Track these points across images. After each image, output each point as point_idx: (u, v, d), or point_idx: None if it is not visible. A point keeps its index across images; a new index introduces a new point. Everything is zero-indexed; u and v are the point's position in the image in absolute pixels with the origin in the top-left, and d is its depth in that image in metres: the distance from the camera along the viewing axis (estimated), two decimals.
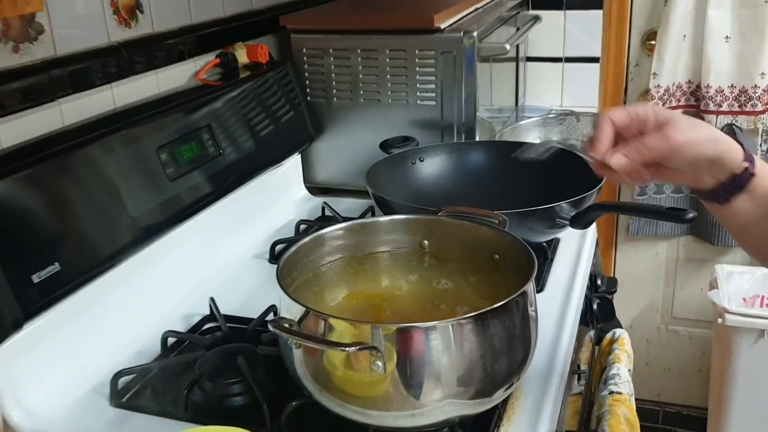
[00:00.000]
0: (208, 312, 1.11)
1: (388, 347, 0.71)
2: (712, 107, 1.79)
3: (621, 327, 1.34)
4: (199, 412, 0.91)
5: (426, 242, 0.97)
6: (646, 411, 2.16)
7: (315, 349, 0.74)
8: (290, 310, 0.77)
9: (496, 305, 0.73)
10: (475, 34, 1.35)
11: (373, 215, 1.41)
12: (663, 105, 1.85)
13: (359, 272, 0.94)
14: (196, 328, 1.08)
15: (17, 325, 0.84)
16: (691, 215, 0.91)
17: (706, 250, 1.99)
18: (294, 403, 0.86)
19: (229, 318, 1.10)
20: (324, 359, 0.75)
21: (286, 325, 0.75)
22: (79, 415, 0.91)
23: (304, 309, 0.75)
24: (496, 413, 0.85)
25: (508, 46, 1.39)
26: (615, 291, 1.29)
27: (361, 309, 0.86)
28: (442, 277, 0.93)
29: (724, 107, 1.79)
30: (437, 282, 0.92)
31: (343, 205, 1.50)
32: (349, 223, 0.95)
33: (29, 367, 0.90)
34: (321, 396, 0.78)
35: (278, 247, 1.30)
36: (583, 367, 1.23)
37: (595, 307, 1.20)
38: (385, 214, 1.17)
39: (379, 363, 0.71)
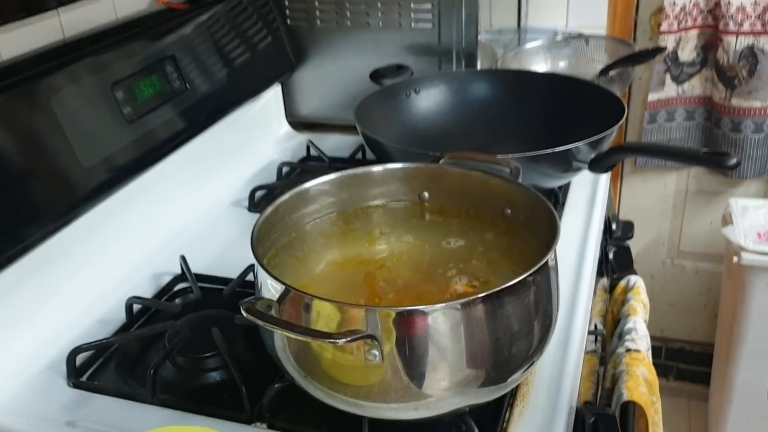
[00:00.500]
0: (179, 271, 0.98)
1: (387, 333, 0.59)
2: (732, 27, 1.64)
3: (636, 273, 1.23)
4: (169, 392, 0.79)
5: (426, 194, 0.84)
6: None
7: None
8: (268, 286, 0.65)
9: (513, 281, 0.60)
10: None
11: (364, 156, 1.28)
12: (678, 25, 1.69)
13: (349, 231, 0.81)
14: (165, 291, 0.96)
15: None
16: (734, 161, 0.78)
17: (719, 181, 1.87)
18: (277, 385, 0.74)
19: (202, 278, 0.97)
20: (310, 342, 0.62)
21: (263, 309, 0.62)
22: (31, 397, 0.80)
23: (284, 287, 0.62)
24: (509, 393, 0.74)
25: None
26: (631, 236, 1.17)
27: (353, 279, 0.73)
28: (444, 237, 0.80)
29: (746, 27, 1.63)
30: (439, 243, 0.79)
31: (329, 142, 1.36)
32: (337, 174, 0.81)
33: None
34: (306, 383, 0.66)
35: (258, 194, 1.16)
36: (597, 320, 1.12)
37: (611, 256, 1.08)
38: (377, 157, 1.04)
39: (376, 352, 0.59)
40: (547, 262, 0.63)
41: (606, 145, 0.95)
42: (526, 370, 0.67)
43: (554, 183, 1.02)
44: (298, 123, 1.44)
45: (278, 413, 0.74)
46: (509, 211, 0.79)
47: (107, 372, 0.83)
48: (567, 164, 0.94)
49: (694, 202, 1.93)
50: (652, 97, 1.76)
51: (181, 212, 1.09)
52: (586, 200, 1.10)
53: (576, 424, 0.79)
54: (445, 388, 0.62)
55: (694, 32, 1.71)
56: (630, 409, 0.97)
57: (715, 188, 1.89)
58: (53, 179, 0.85)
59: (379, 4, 1.28)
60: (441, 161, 0.84)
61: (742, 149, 1.73)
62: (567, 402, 0.75)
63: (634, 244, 2.01)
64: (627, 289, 1.21)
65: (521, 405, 0.74)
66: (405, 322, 0.59)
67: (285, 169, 1.25)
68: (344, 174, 0.82)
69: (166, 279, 0.98)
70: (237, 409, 0.75)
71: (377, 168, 0.83)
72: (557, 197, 1.08)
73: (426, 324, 0.59)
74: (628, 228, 1.17)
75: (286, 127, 1.42)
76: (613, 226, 1.15)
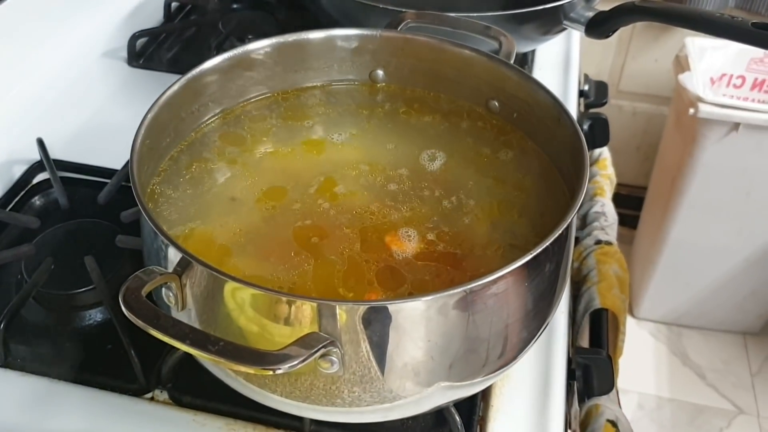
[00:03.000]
0: (36, 158, 0.73)
1: (351, 333, 0.39)
2: None
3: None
4: (29, 347, 0.58)
5: (380, 72, 0.60)
6: None
7: (210, 298, 0.41)
8: (161, 246, 0.42)
9: (523, 260, 0.40)
10: None
11: None
12: None
13: (273, 129, 0.58)
14: (17, 189, 0.71)
15: None
16: None
17: None
18: (180, 352, 0.54)
19: (68, 167, 0.72)
20: (229, 322, 0.41)
21: (156, 289, 0.40)
22: None
23: (181, 256, 0.40)
24: None
25: None
26: (606, 102, 0.98)
27: (291, 219, 0.50)
28: (409, 136, 0.57)
29: None
30: (403, 146, 0.57)
31: None
32: (251, 47, 0.56)
33: None
34: (229, 379, 0.46)
35: (140, 42, 0.88)
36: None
37: (586, 128, 0.89)
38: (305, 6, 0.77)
39: (334, 359, 0.39)
40: (571, 222, 0.43)
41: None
42: (529, 347, 0.49)
43: (528, 47, 0.80)
44: None
45: (184, 381, 0.55)
46: (496, 103, 0.58)
47: None
48: (555, 24, 0.72)
49: (641, 38, 1.74)
50: None
51: (35, 72, 0.81)
52: (559, 60, 0.89)
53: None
54: (425, 388, 0.43)
55: None
56: (603, 317, 0.83)
57: None
58: None
59: None
60: (401, 26, 0.60)
61: None
62: (563, 353, 0.59)
63: None
64: (591, 161, 1.04)
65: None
66: (375, 318, 0.38)
67: (174, 5, 0.96)
68: (264, 44, 0.57)
69: (17, 171, 0.72)
70: (126, 375, 0.55)
71: (315, 35, 0.58)
72: (525, 58, 0.86)
73: (406, 319, 0.39)
74: (602, 90, 0.97)
75: None
76: (585, 87, 0.95)
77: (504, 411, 0.54)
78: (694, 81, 1.42)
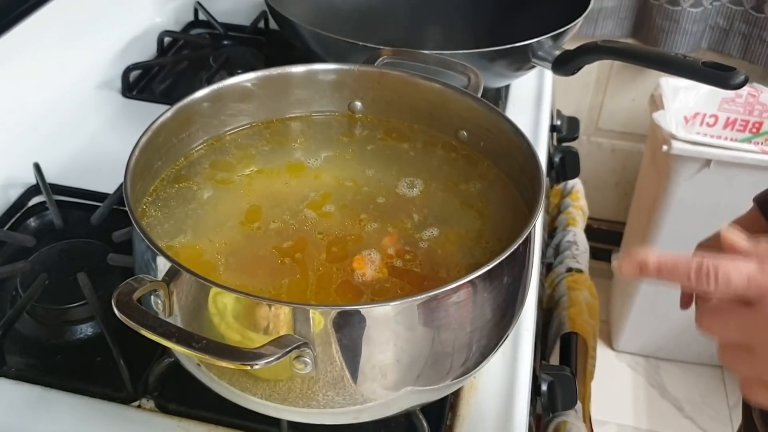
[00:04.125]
0: (32, 181, 0.77)
1: (323, 337, 0.43)
2: None
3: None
4: (23, 356, 0.61)
5: (358, 104, 0.65)
6: None
7: (195, 303, 0.45)
8: (150, 258, 0.46)
9: (489, 266, 0.44)
10: None
11: (267, 26, 1.05)
12: None
13: (257, 156, 0.62)
14: (14, 210, 0.74)
15: None
16: (741, 78, 0.63)
17: None
18: (167, 361, 0.57)
19: (63, 191, 0.76)
20: (212, 327, 0.45)
21: (145, 294, 0.44)
22: None
23: (171, 265, 0.44)
24: None
25: None
26: (577, 136, 1.02)
27: (270, 238, 0.54)
28: (383, 165, 0.62)
29: None
30: (378, 173, 0.61)
31: (223, 4, 1.11)
32: (238, 79, 0.60)
33: None
34: (202, 376, 0.50)
35: (134, 74, 0.93)
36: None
37: (557, 160, 0.94)
38: (287, 38, 0.82)
39: (307, 360, 0.43)
40: (528, 235, 0.47)
41: (568, 39, 0.78)
42: (494, 354, 0.52)
43: (500, 83, 0.85)
44: None
45: (170, 390, 0.58)
46: (465, 133, 0.62)
47: None
48: (524, 62, 0.77)
49: (619, 77, 1.81)
50: None
51: (33, 100, 0.85)
52: (532, 96, 0.94)
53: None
54: (394, 389, 0.47)
55: None
56: (572, 341, 0.87)
57: None
58: None
59: None
60: (378, 61, 0.65)
61: (678, 23, 1.60)
62: (528, 367, 0.62)
63: None
64: (564, 193, 1.08)
65: (472, 380, 0.61)
66: (349, 324, 0.42)
67: (167, 40, 1.01)
68: (248, 77, 0.61)
69: (14, 193, 0.76)
70: (115, 384, 0.58)
71: (297, 69, 0.63)
72: (499, 93, 0.91)
73: (377, 323, 0.43)
74: (573, 125, 1.02)
75: None
76: (557, 122, 1.00)
77: (471, 420, 0.58)
78: (668, 119, 1.48)
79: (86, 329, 0.65)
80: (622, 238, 1.91)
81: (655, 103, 1.56)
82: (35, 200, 0.76)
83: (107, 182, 0.75)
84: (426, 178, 0.60)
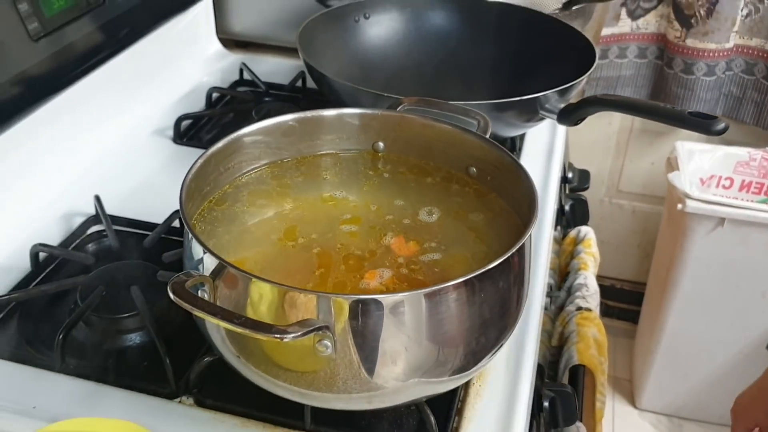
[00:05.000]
0: (92, 212, 0.87)
1: (341, 323, 0.50)
2: None
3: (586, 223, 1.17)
4: (80, 357, 0.70)
5: (381, 144, 0.74)
6: None
7: (234, 303, 0.53)
8: (200, 257, 0.55)
9: (489, 266, 0.52)
10: None
11: (304, 84, 1.16)
12: None
13: (292, 185, 0.71)
14: (76, 235, 0.84)
15: None
16: (722, 125, 0.71)
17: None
18: (207, 359, 0.65)
19: (120, 221, 0.86)
20: (248, 314, 0.53)
21: (194, 287, 0.53)
22: None
23: (218, 262, 0.52)
24: None
25: None
26: (587, 187, 1.10)
27: (300, 252, 0.63)
28: (402, 195, 0.70)
29: None
30: (397, 202, 0.70)
31: (266, 66, 1.23)
32: (280, 119, 0.70)
33: None
34: (240, 364, 0.58)
35: (185, 124, 1.04)
36: (548, 273, 1.06)
37: (567, 208, 1.02)
38: (321, 91, 0.93)
39: (328, 343, 0.51)
40: (524, 245, 0.55)
41: (574, 92, 0.87)
42: (492, 356, 0.60)
43: (514, 132, 0.94)
44: (230, 41, 1.30)
45: (208, 387, 0.66)
46: (474, 169, 0.71)
47: (7, 334, 0.72)
48: (533, 113, 0.86)
49: (638, 142, 1.89)
50: (605, 31, 1.68)
51: (96, 143, 0.96)
52: (544, 148, 1.03)
53: (533, 400, 0.73)
54: (402, 379, 0.54)
55: None
56: (580, 372, 0.93)
57: (659, 128, 1.85)
58: None
59: None
60: (399, 108, 0.74)
61: (692, 91, 1.68)
62: (528, 379, 0.69)
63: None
64: (577, 241, 1.15)
65: (478, 384, 0.68)
66: (365, 310, 0.50)
67: (215, 95, 1.12)
68: (286, 119, 0.71)
69: (77, 221, 0.86)
70: (160, 381, 0.66)
71: (329, 113, 0.72)
72: (514, 144, 1.00)
73: (389, 312, 0.50)
74: (584, 177, 1.10)
75: (216, 46, 1.28)
76: (569, 175, 1.08)
77: (475, 421, 0.64)
78: (683, 179, 1.55)
79: (135, 338, 0.73)
80: (643, 298, 1.95)
81: (671, 165, 1.64)
82: (94, 228, 0.86)
83: (158, 215, 0.85)
84: (440, 207, 0.69)
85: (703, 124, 0.71)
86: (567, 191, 1.07)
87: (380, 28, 1.08)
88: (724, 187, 1.71)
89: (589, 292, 1.04)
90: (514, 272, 0.56)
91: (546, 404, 0.74)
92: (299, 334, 0.47)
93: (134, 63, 1.02)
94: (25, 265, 0.79)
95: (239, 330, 0.47)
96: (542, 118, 0.89)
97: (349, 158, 0.74)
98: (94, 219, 0.86)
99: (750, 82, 1.70)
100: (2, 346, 0.70)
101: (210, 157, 0.64)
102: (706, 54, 1.63)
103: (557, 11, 1.20)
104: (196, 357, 0.66)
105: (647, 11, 1.68)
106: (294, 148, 0.73)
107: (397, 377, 0.54)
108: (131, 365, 0.70)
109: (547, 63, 0.95)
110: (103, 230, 0.84)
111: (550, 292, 1.03)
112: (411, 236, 0.65)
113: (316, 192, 0.71)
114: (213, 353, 0.64)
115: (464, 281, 0.51)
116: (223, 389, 0.65)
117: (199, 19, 1.23)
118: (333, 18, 1.05)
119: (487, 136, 0.70)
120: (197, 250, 0.54)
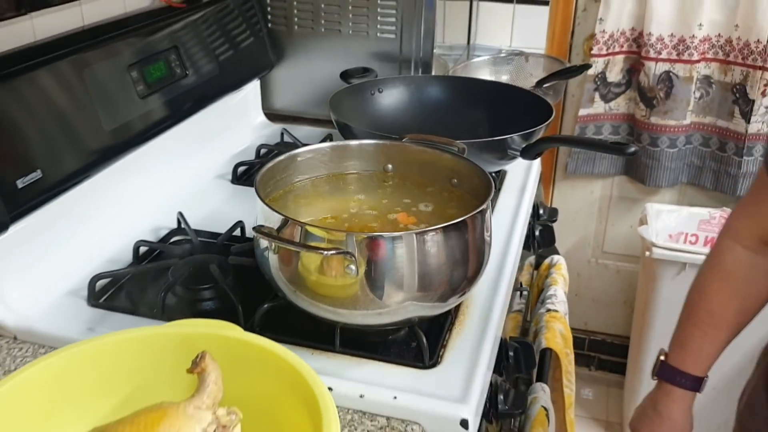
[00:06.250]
0: (175, 226, 1.16)
1: (360, 253, 0.78)
2: (652, 54, 1.89)
3: (558, 254, 1.45)
4: (174, 313, 0.97)
5: (390, 166, 1.04)
6: (573, 338, 2.31)
7: (291, 255, 0.81)
8: (268, 220, 0.84)
9: (457, 220, 0.81)
10: None
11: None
12: (607, 50, 1.94)
13: (328, 192, 1.01)
14: (165, 240, 1.14)
15: (3, 227, 0.88)
16: (633, 149, 1.00)
17: (638, 189, 2.12)
18: (266, 306, 0.93)
19: (197, 232, 1.15)
20: (299, 265, 0.82)
21: (267, 231, 0.81)
22: (59, 313, 0.96)
23: (282, 218, 0.81)
24: (449, 318, 0.94)
25: None
26: (555, 220, 1.39)
27: (333, 223, 0.93)
28: (404, 198, 1.00)
29: (663, 55, 1.89)
30: (401, 201, 0.99)
31: (301, 132, 1.55)
32: (321, 145, 1.01)
33: (11, 267, 0.94)
34: (295, 297, 0.85)
35: (240, 169, 1.35)
36: (524, 284, 1.34)
37: (537, 233, 1.30)
38: (345, 135, 1.24)
39: (353, 267, 0.78)
40: (484, 209, 0.84)
41: (535, 138, 1.17)
42: (462, 295, 0.87)
43: (492, 168, 1.23)
44: (273, 114, 1.63)
45: (267, 328, 0.93)
46: (456, 180, 1.00)
47: (120, 297, 1.01)
48: (503, 151, 1.16)
49: (617, 208, 2.18)
50: (582, 112, 2.00)
51: (176, 179, 1.27)
52: (518, 186, 1.32)
53: (500, 351, 0.99)
54: (401, 299, 0.82)
55: (620, 57, 1.97)
56: (547, 354, 1.19)
57: (635, 195, 2.14)
58: (82, 137, 1.02)
59: (350, 15, 1.49)
60: (403, 140, 1.04)
61: (659, 161, 1.98)
62: (494, 326, 0.95)
63: (563, 244, 2.26)
64: (551, 266, 1.43)
65: (458, 328, 0.94)
66: (375, 243, 0.78)
67: (263, 150, 1.44)
68: (326, 145, 1.02)
69: (164, 231, 1.16)
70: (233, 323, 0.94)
71: (353, 142, 1.03)
72: (495, 182, 1.29)
73: (391, 246, 0.79)
74: (553, 213, 1.39)
75: (262, 117, 1.61)
76: (541, 211, 1.37)
77: (455, 349, 0.91)
78: (650, 232, 1.83)
79: (210, 304, 1.01)
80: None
81: (642, 222, 1.92)
82: (176, 237, 1.15)
83: (221, 229, 1.14)
84: (433, 203, 0.98)
85: (619, 148, 1.01)
86: (538, 221, 1.36)
87: (390, 99, 1.40)
88: (690, 242, 1.98)
89: (557, 300, 1.31)
90: (477, 230, 0.85)
91: (511, 353, 1.00)
92: (333, 252, 0.76)
93: (203, 124, 1.35)
94: (128, 258, 1.08)
95: (298, 249, 0.76)
96: (512, 157, 1.18)
97: (366, 176, 1.04)
98: (176, 230, 1.16)
99: (707, 153, 2.00)
100: (120, 303, 0.99)
101: (272, 167, 0.94)
102: (667, 129, 1.95)
103: (533, 87, 1.52)
104: (257, 308, 0.94)
105: (617, 95, 2.01)
106: (327, 167, 1.03)
107: (396, 295, 0.81)
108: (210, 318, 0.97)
109: (518, 120, 1.26)
110: (183, 238, 1.14)
111: (524, 290, 1.30)
112: (411, 215, 0.94)
113: (344, 196, 1.01)
114: (271, 301, 0.92)
115: (441, 227, 0.80)
116: (277, 327, 0.93)
117: (250, 96, 1.57)
118: (354, 90, 1.37)
119: (465, 155, 0.99)
120: (268, 213, 0.83)
